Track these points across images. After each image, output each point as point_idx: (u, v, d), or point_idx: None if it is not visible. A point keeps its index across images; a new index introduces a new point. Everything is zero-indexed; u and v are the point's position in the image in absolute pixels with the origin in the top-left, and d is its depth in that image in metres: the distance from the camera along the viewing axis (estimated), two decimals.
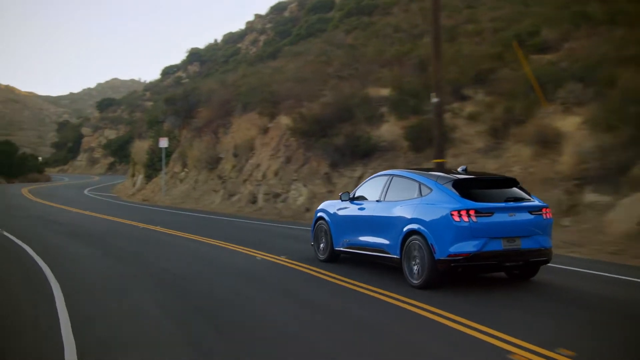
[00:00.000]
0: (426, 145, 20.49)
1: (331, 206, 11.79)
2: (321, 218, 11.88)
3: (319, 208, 12.40)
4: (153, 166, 38.93)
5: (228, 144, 32.44)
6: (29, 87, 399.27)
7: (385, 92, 25.01)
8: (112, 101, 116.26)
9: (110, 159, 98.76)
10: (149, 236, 16.46)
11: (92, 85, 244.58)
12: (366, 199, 10.75)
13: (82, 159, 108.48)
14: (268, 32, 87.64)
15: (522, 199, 9.17)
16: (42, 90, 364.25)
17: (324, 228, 11.70)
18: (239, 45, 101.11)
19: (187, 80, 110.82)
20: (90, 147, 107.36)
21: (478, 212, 8.60)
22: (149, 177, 39.61)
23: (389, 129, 23.26)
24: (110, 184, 55.54)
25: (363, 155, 22.84)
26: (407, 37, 32.11)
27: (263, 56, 59.73)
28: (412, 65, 26.22)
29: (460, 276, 9.18)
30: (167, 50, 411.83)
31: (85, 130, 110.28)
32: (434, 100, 15.47)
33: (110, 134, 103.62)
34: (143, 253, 13.33)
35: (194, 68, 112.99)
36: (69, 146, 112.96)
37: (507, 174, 13.55)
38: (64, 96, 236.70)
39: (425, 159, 20.33)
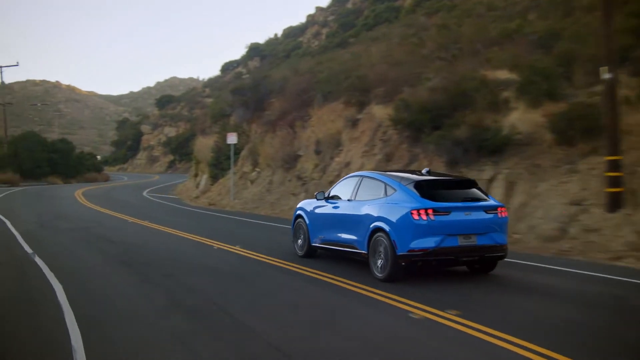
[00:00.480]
0: (581, 138, 15.59)
1: (309, 205, 12.49)
2: (300, 216, 12.58)
3: (297, 206, 13.03)
4: (219, 165, 34.54)
5: (308, 139, 27.75)
6: (90, 86, 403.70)
7: (502, 74, 20.02)
8: (171, 98, 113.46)
9: (170, 157, 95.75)
10: (236, 266, 11.60)
11: (152, 84, 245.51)
12: (340, 198, 11.44)
13: (141, 157, 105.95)
14: (330, 25, 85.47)
15: (478, 199, 9.90)
16: (102, 90, 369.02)
17: (302, 225, 12.41)
18: (300, 39, 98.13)
19: (247, 75, 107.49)
20: (149, 145, 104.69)
21: (436, 211, 9.25)
22: (214, 178, 35.22)
23: (522, 118, 18.04)
24: (170, 184, 51.78)
25: (492, 151, 17.65)
26: (507, 14, 27.11)
27: (329, 47, 55.82)
28: (530, 43, 21.21)
29: (424, 270, 9.82)
30: (227, 46, 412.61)
31: (144, 128, 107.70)
32: (606, 76, 13.19)
33: (170, 131, 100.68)
34: (244, 309, 8.00)
35: (254, 63, 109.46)
36: (128, 144, 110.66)
37: None
38: (124, 95, 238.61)
39: (581, 155, 15.30)
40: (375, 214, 9.97)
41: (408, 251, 9.23)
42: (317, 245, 11.89)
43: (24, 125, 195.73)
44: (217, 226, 19.50)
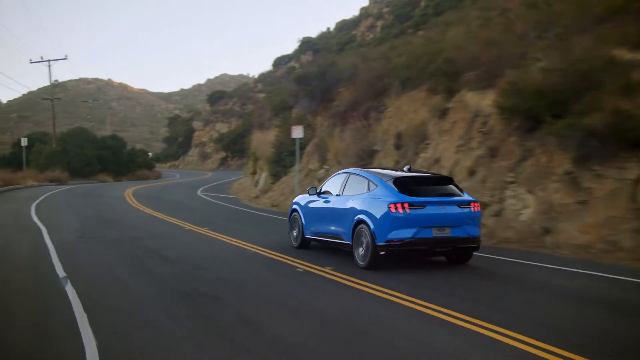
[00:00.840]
0: None
1: (303, 199, 13.47)
2: (295, 210, 13.64)
3: (294, 201, 14.13)
4: (281, 162, 31.29)
5: (385, 132, 24.20)
6: (142, 84, 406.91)
7: (622, 53, 16.17)
8: (222, 94, 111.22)
9: (222, 154, 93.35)
10: (351, 307, 8.02)
11: (202, 81, 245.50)
12: (330, 193, 12.31)
13: (193, 153, 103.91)
14: (385, 17, 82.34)
15: (453, 195, 10.76)
16: (153, 87, 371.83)
17: (296, 218, 13.39)
18: (353, 32, 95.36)
19: (299, 70, 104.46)
20: (201, 142, 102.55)
21: (411, 205, 10.14)
22: (275, 176, 31.96)
23: None
24: (225, 182, 48.95)
25: (637, 144, 13.93)
26: None
27: (386, 38, 52.49)
28: None
29: (402, 259, 10.91)
30: (278, 42, 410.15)
31: (196, 124, 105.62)
32: None
33: (222, 127, 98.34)
34: None
35: (306, 57, 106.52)
36: (179, 141, 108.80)
37: None
38: (175, 92, 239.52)
39: None
40: (358, 207, 10.83)
41: (386, 241, 10.09)
42: (309, 237, 12.86)
43: (77, 123, 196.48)
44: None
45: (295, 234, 13.52)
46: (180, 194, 35.01)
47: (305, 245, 13.10)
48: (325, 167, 27.51)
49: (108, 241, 14.40)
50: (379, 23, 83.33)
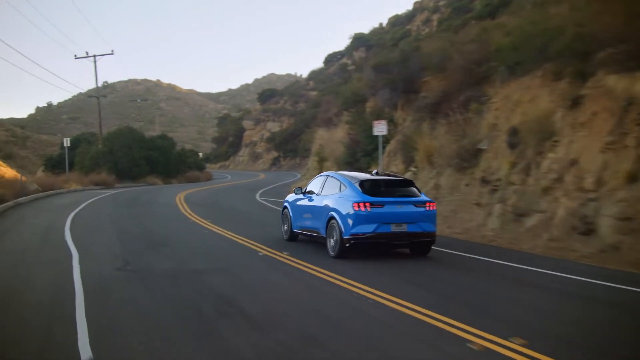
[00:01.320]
0: None
1: (292, 197, 15.16)
2: (285, 207, 15.30)
3: (285, 199, 15.86)
4: (355, 163, 26.95)
5: (491, 127, 19.54)
6: (190, 84, 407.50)
7: None
8: (273, 92, 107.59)
9: (274, 154, 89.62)
10: None
11: (250, 81, 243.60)
12: (313, 192, 13.88)
13: (243, 154, 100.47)
14: (442, 10, 78.87)
15: (411, 195, 12.38)
16: (201, 88, 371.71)
17: (286, 214, 15.08)
18: (408, 27, 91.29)
19: (352, 67, 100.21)
20: (251, 141, 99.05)
21: (372, 204, 11.74)
22: None
23: None
24: (282, 184, 44.78)
25: None
26: None
27: (448, 30, 48.07)
28: None
29: (372, 250, 12.48)
30: (327, 39, 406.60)
31: (246, 123, 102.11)
32: None
33: (273, 126, 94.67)
34: None
35: (359, 54, 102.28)
36: (229, 141, 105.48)
37: None
38: (223, 92, 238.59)
39: None
40: (331, 205, 12.56)
41: (351, 235, 11.75)
42: (297, 231, 14.56)
43: (126, 124, 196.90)
44: (412, 268, 11.46)
45: (285, 228, 15.17)
46: (237, 199, 30.86)
47: (293, 238, 14.69)
48: (413, 168, 23.05)
49: (159, 277, 10.17)
50: (435, 17, 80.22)
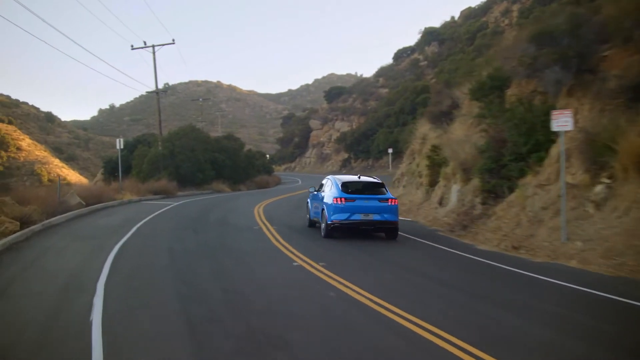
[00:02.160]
0: None
1: (311, 193, 19.74)
2: (307, 202, 20.57)
3: (308, 196, 20.55)
4: (499, 171, 19.25)
5: None
6: (250, 85, 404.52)
7: None
8: (341, 90, 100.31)
9: (344, 155, 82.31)
10: None
11: (310, 81, 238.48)
12: (322, 190, 18.22)
13: (310, 155, 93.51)
14: (523, 0, 71.06)
15: (378, 193, 16.88)
16: (261, 89, 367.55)
17: (308, 207, 20.15)
18: (484, 19, 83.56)
19: (424, 62, 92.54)
20: (319, 142, 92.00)
21: (346, 199, 16.16)
22: (490, 193, 19.85)
23: None
24: None
25: None
26: None
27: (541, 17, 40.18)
28: None
29: (344, 233, 16.68)
30: (387, 39, 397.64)
31: (313, 123, 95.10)
32: None
33: (342, 126, 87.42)
34: None
35: (432, 49, 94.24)
36: (295, 141, 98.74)
37: None
38: (283, 93, 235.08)
39: None
40: (324, 200, 17.02)
41: (332, 221, 16.21)
42: (313, 219, 18.96)
43: (188, 124, 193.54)
44: None
45: (307, 217, 19.93)
46: None
47: (312, 225, 19.15)
48: (605, 180, 15.28)
49: None
50: (515, 7, 73.48)
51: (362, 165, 77.21)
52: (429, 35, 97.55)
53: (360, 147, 75.98)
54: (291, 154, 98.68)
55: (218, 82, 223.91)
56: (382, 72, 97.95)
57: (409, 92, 70.46)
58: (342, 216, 15.98)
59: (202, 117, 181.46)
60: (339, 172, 78.72)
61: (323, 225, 16.64)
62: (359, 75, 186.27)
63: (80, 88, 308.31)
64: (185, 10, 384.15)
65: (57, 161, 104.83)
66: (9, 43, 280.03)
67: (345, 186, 16.71)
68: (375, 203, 16.20)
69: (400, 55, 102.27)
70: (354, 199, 16.08)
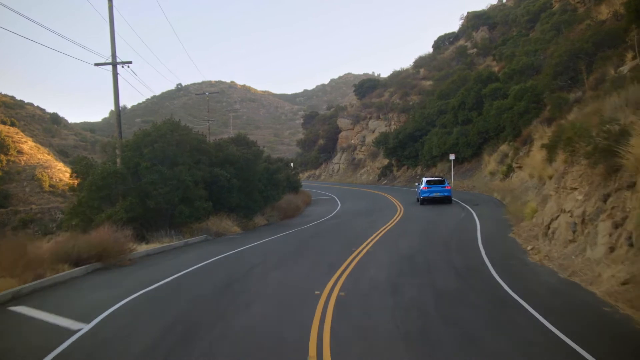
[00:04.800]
0: None
1: (418, 187, 36.16)
2: (416, 189, 37.64)
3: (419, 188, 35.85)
4: None
5: None
6: (265, 86, 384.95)
7: None
8: (375, 83, 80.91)
9: (383, 161, 63.31)
10: None
11: (326, 81, 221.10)
12: (420, 184, 34.93)
13: (339, 160, 74.18)
14: None
15: (441, 183, 33.52)
16: (277, 89, 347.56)
17: (417, 192, 35.92)
18: None
19: (474, 50, 73.52)
20: (349, 145, 72.94)
21: (427, 187, 33.30)
22: None
23: None
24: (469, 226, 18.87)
25: None
26: None
27: None
28: None
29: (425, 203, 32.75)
30: (403, 40, 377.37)
31: (341, 122, 75.67)
32: None
33: (378, 125, 68.21)
34: None
35: (481, 34, 75.02)
36: (320, 144, 79.59)
37: None
38: (299, 93, 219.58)
39: None
40: (420, 188, 34.02)
41: (422, 196, 33.20)
42: (420, 198, 33.88)
43: (200, 127, 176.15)
44: None
45: (416, 197, 35.97)
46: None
47: (421, 203, 33.60)
48: None
49: None
50: None
51: (408, 175, 57.97)
52: (476, 19, 78.55)
53: (405, 152, 56.85)
54: (315, 159, 79.50)
55: (232, 82, 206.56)
56: (422, 62, 78.68)
57: (471, 82, 51.29)
58: (426, 194, 33.04)
59: (214, 119, 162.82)
60: (377, 184, 59.94)
61: (419, 199, 34.08)
62: (377, 74, 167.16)
63: (94, 89, 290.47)
64: (200, 11, 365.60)
65: (60, 165, 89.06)
66: (15, 43, 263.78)
67: (426, 182, 33.81)
68: (439, 188, 33.00)
69: (440, 43, 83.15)
70: (429, 187, 33.16)
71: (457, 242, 18.57)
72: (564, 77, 37.51)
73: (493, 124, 45.16)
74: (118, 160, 21.61)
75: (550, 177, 23.02)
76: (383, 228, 22.73)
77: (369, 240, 19.15)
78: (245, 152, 25.62)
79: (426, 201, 32.60)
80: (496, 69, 55.97)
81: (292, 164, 52.95)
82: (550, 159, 29.20)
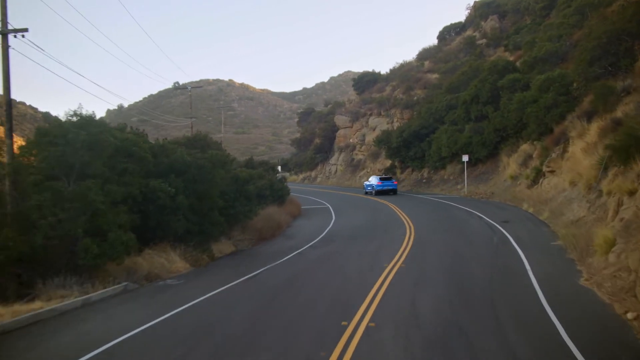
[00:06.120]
0: None
1: (369, 183, 47.68)
2: (365, 184, 49.96)
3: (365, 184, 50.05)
4: None
5: None
6: (263, 84, 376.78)
7: None
8: (376, 77, 73.45)
9: (384, 162, 55.97)
10: None
11: (325, 79, 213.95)
12: (369, 181, 48.06)
13: (336, 161, 66.80)
14: None
15: (390, 179, 45.39)
16: (275, 87, 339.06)
17: (364, 187, 48.91)
18: None
19: (483, 41, 66.33)
20: (348, 144, 65.56)
21: (381, 182, 44.37)
22: None
23: None
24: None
25: None
26: None
27: None
28: None
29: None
30: (402, 39, 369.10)
31: (339, 119, 68.12)
32: None
33: (379, 123, 60.86)
34: None
35: (490, 23, 67.76)
36: (316, 143, 72.13)
37: None
38: (298, 92, 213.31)
39: None
40: (372, 183, 45.94)
41: (376, 189, 44.12)
42: (367, 191, 46.86)
43: (198, 126, 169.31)
44: None
45: (365, 191, 47.50)
46: None
47: (367, 194, 46.20)
48: None
49: None
50: None
51: (414, 178, 50.62)
52: (485, 8, 71.38)
53: (410, 152, 49.49)
54: (311, 160, 71.93)
55: (230, 80, 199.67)
56: (426, 54, 71.28)
57: (484, 73, 44.01)
58: (380, 187, 43.04)
59: (212, 118, 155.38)
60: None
61: (373, 192, 43.79)
62: (377, 71, 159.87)
63: (91, 87, 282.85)
64: (198, 9, 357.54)
65: None
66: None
67: (380, 178, 44.34)
68: (390, 183, 43.54)
69: (446, 34, 75.79)
70: (382, 182, 43.52)
71: (506, 300, 11.35)
72: (602, 62, 30.55)
73: (513, 120, 37.95)
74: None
75: (630, 193, 15.70)
76: (390, 266, 15.39)
77: (370, 297, 11.82)
78: (200, 158, 18.21)
79: (379, 193, 43.97)
80: (511, 58, 48.80)
81: (279, 168, 46.00)
82: (605, 164, 21.78)
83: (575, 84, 33.77)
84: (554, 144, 31.26)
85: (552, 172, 30.16)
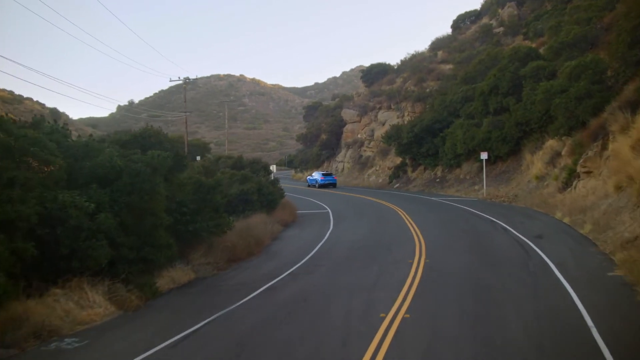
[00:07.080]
0: None
1: (312, 177, 56.96)
2: (307, 179, 58.88)
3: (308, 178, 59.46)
4: None
5: None
6: (275, 79, 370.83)
7: None
8: (385, 68, 68.36)
9: (394, 160, 50.95)
10: None
11: (337, 74, 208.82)
12: (313, 176, 56.88)
13: (343, 158, 62.01)
14: None
15: (331, 175, 55.59)
16: (287, 82, 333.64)
17: (308, 181, 57.61)
18: None
19: (500, 29, 61.13)
20: (355, 140, 60.60)
21: (323, 177, 53.64)
22: None
23: None
24: None
25: None
26: None
27: None
28: None
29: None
30: (414, 33, 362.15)
31: (346, 113, 63.08)
32: None
33: (389, 117, 55.76)
34: None
35: (508, 11, 62.35)
36: (322, 139, 67.05)
37: None
38: (309, 87, 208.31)
39: None
40: (315, 177, 55.16)
41: (319, 184, 52.88)
42: (310, 184, 55.41)
43: (207, 122, 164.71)
44: None
45: (308, 184, 56.38)
46: None
47: (310, 187, 54.98)
48: None
49: None
50: None
51: (426, 177, 45.54)
52: None
53: (422, 149, 44.43)
54: (317, 157, 67.11)
55: (241, 75, 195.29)
56: (440, 44, 66.05)
57: (504, 61, 38.93)
58: (323, 182, 51.71)
59: (223, 113, 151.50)
60: (388, 187, 47.71)
61: (317, 185, 52.09)
62: (386, 63, 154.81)
63: (102, 83, 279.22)
64: (210, 5, 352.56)
65: None
66: (14, 41, 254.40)
67: (323, 174, 53.59)
68: (331, 178, 53.13)
69: (461, 22, 70.54)
70: (325, 177, 52.82)
71: None
72: None
73: (537, 113, 32.94)
74: None
75: None
76: (390, 316, 10.44)
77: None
78: (137, 161, 13.39)
79: (322, 186, 50.89)
80: (534, 45, 43.66)
81: (272, 168, 40.87)
82: None
83: (609, 72, 28.93)
84: (591, 140, 26.20)
85: (588, 172, 25.15)
